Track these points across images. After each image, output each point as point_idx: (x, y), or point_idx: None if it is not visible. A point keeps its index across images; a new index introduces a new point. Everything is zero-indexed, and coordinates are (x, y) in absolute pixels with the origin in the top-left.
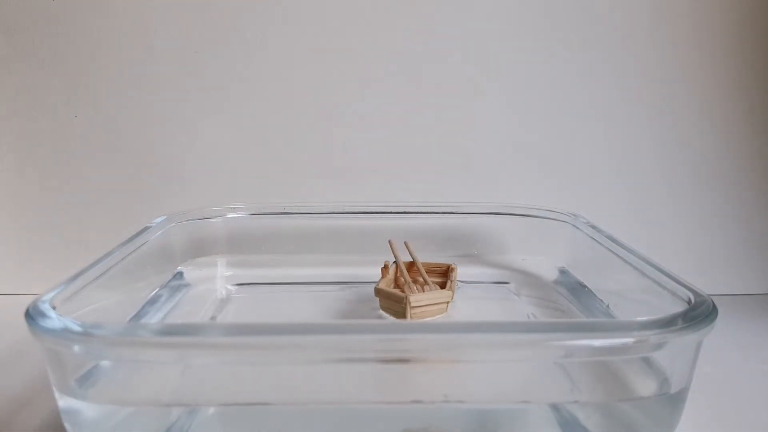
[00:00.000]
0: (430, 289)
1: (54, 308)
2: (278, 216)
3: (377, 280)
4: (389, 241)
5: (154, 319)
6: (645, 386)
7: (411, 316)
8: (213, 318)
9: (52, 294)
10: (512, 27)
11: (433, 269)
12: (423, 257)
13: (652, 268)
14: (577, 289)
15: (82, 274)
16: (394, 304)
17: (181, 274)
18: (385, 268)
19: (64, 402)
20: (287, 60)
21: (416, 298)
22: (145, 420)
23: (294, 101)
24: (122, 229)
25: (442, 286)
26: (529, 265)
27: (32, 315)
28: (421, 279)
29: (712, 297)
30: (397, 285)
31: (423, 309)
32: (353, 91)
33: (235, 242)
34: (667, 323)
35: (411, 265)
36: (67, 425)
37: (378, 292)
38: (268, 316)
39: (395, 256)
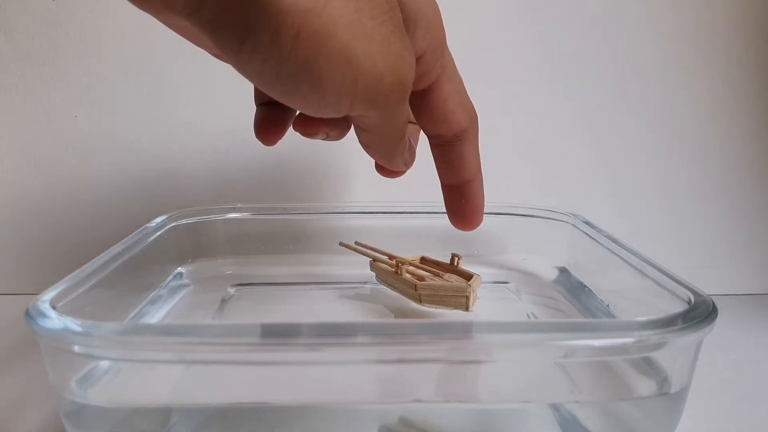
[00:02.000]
0: (450, 279)
1: (54, 308)
2: (278, 216)
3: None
4: (341, 243)
5: (154, 319)
6: (645, 386)
7: (472, 304)
8: (213, 318)
9: (52, 294)
10: (512, 26)
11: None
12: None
13: (652, 268)
14: (577, 289)
15: (82, 274)
16: (456, 296)
17: (181, 274)
18: (399, 266)
19: (64, 402)
20: None
21: (474, 285)
22: (145, 420)
23: None
24: (122, 229)
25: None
26: (529, 264)
27: (32, 315)
28: (421, 272)
29: (712, 297)
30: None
31: (474, 296)
32: None
33: (235, 242)
34: (667, 323)
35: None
36: (67, 425)
37: (430, 287)
38: (268, 316)
39: (371, 255)
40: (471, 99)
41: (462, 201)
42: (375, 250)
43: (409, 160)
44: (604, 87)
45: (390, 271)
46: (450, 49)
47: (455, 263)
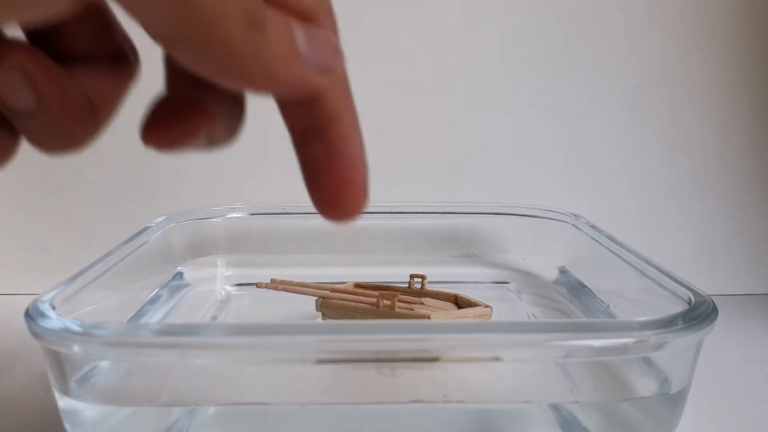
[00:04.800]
0: (430, 303)
1: (54, 308)
2: (278, 216)
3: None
4: (258, 285)
5: (154, 319)
6: (645, 386)
7: None
8: (213, 318)
9: (52, 294)
10: (514, 26)
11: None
12: (421, 258)
13: (652, 268)
14: (577, 289)
15: (82, 274)
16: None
17: (181, 274)
18: (387, 299)
19: (64, 402)
20: None
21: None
22: (145, 420)
23: None
24: (122, 229)
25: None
26: (529, 265)
27: (32, 315)
28: (385, 301)
29: (712, 297)
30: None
31: None
32: (353, 91)
33: (235, 242)
34: (667, 323)
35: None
36: (67, 425)
37: (447, 318)
38: (268, 316)
39: (309, 293)
40: (472, 98)
41: (327, 155)
42: (301, 285)
43: (325, 56)
44: (606, 86)
45: (361, 308)
46: (450, 47)
47: (420, 285)
